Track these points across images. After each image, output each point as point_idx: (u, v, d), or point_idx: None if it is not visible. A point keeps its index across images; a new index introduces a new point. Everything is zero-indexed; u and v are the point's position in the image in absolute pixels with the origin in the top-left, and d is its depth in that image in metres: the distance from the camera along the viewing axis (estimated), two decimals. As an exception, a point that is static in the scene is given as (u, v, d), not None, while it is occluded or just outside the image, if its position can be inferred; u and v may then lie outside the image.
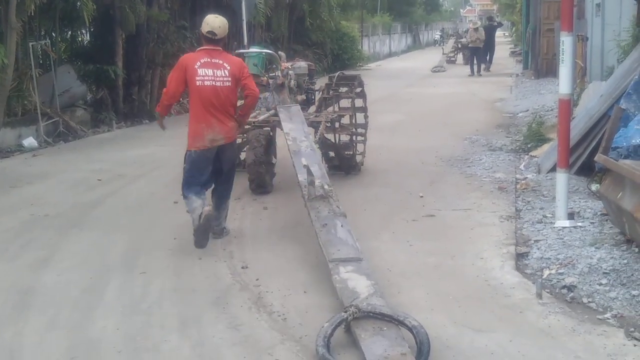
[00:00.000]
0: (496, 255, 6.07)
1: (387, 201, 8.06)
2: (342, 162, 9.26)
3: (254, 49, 9.36)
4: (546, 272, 5.65)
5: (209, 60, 6.35)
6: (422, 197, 8.15)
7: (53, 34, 14.74)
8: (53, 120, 13.15)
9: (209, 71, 6.31)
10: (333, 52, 29.68)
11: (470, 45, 27.29)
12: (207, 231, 6.30)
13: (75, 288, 5.49)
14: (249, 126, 8.27)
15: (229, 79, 6.34)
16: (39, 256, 6.28)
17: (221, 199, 6.75)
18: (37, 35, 14.00)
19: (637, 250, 5.79)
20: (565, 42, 6.72)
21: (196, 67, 6.32)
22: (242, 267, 5.89)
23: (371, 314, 4.48)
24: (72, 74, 14.23)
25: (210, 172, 6.55)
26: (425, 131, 13.08)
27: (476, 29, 27.38)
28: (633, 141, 7.09)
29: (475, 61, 26.50)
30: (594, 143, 8.22)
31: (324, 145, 8.60)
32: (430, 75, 27.12)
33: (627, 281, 5.25)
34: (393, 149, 11.16)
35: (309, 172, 6.37)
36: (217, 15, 6.59)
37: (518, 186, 8.50)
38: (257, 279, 5.60)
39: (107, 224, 7.35)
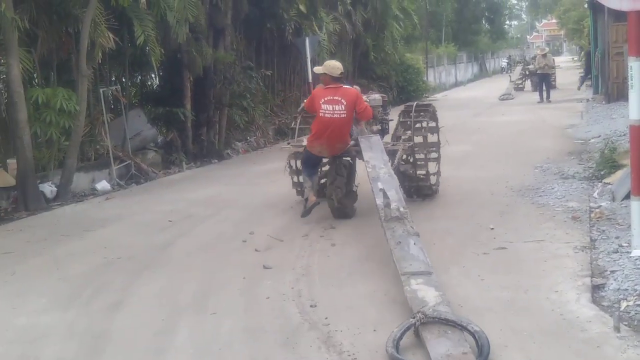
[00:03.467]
0: (571, 288, 5.88)
1: (457, 234, 7.94)
2: (418, 184, 9.68)
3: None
4: (624, 304, 5.45)
5: (331, 98, 8.49)
6: (492, 229, 8.00)
7: (123, 79, 15.18)
8: (125, 163, 13.49)
9: (329, 107, 8.47)
10: (398, 84, 29.71)
11: (538, 71, 26.93)
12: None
13: (147, 331, 5.55)
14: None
15: (345, 112, 8.44)
16: (111, 299, 6.38)
17: None
18: (108, 81, 14.45)
19: None
20: (634, 67, 6.54)
21: (321, 102, 8.51)
22: (311, 306, 5.86)
23: (437, 319, 4.94)
24: (142, 117, 14.62)
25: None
26: (494, 161, 12.90)
27: (544, 55, 27.01)
28: None
29: (544, 87, 26.10)
30: (670, 168, 7.93)
31: (402, 175, 9.15)
32: (498, 104, 26.83)
33: None
34: (462, 180, 11.02)
35: (385, 195, 7.07)
36: (333, 60, 9.12)
37: (592, 215, 8.26)
38: (326, 318, 5.55)
39: (178, 265, 7.44)
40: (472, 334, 4.75)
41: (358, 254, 7.39)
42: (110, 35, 12.21)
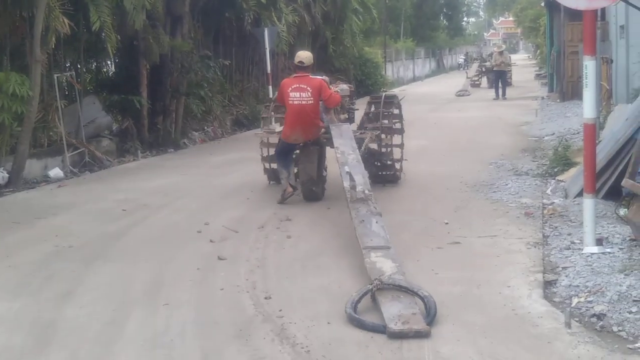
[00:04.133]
0: (523, 284, 5.95)
1: (412, 228, 7.98)
2: (384, 170, 10.32)
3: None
4: (575, 301, 5.52)
5: (297, 85, 9.12)
6: (447, 223, 8.06)
7: (78, 65, 14.92)
8: (79, 150, 13.28)
9: (296, 94, 9.09)
10: (356, 77, 29.73)
11: (495, 68, 27.21)
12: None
13: (97, 321, 5.46)
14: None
15: (311, 98, 9.06)
16: (62, 289, 6.26)
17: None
18: (62, 66, 14.18)
19: (668, 277, 5.65)
20: (589, 66, 6.63)
21: (289, 91, 9.13)
22: (265, 298, 5.82)
23: (391, 286, 5.56)
24: (97, 104, 14.39)
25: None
26: (449, 156, 13.00)
27: (501, 53, 27.29)
28: (661, 165, 6.97)
29: (500, 84, 26.39)
30: (620, 167, 8.06)
31: (369, 155, 9.77)
32: (455, 100, 27.07)
33: (659, 309, 5.12)
34: (418, 174, 11.07)
35: (352, 179, 7.63)
36: (305, 50, 9.87)
37: (545, 212, 8.38)
38: (280, 310, 5.53)
39: (131, 255, 7.34)
40: (422, 298, 5.36)
41: (313, 246, 7.39)
42: (65, 20, 11.93)
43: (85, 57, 15.15)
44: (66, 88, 14.31)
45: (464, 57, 55.59)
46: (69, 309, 5.77)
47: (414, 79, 44.50)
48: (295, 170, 9.69)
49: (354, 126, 10.22)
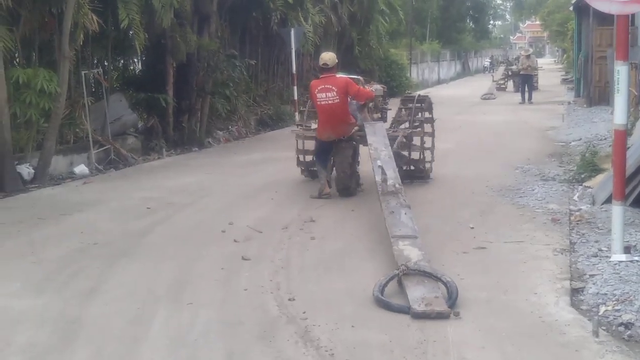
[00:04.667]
0: (550, 291, 5.88)
1: (437, 232, 7.91)
2: (415, 167, 10.69)
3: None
4: (602, 309, 5.45)
5: (323, 86, 9.56)
6: (472, 228, 7.99)
7: (105, 62, 14.99)
8: (104, 147, 13.35)
9: (322, 95, 9.56)
10: (381, 79, 29.60)
11: (521, 72, 27.05)
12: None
13: (121, 319, 5.47)
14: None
15: (337, 97, 9.47)
16: (86, 286, 6.28)
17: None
18: (90, 63, 14.26)
19: (697, 286, 5.56)
20: (621, 71, 6.55)
21: (316, 92, 9.61)
22: (289, 299, 5.80)
23: (416, 271, 5.93)
24: (123, 102, 14.46)
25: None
26: (475, 160, 12.92)
27: (528, 56, 27.12)
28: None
29: (526, 88, 26.21)
30: (650, 174, 7.97)
31: (399, 157, 9.92)
32: (480, 103, 26.91)
33: (686, 318, 5.03)
34: (443, 177, 11.01)
35: (383, 172, 8.13)
36: (328, 52, 10.12)
37: (572, 218, 8.28)
38: (304, 312, 5.50)
39: (156, 253, 7.36)
40: (445, 283, 5.73)
41: (337, 248, 7.36)
42: (94, 17, 12.01)
43: (113, 55, 15.22)
44: (93, 85, 14.37)
45: (489, 60, 55.33)
46: (93, 306, 5.79)
47: (439, 82, 44.32)
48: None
49: (387, 126, 10.59)
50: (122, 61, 16.71)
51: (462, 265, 6.64)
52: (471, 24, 60.11)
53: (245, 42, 19.92)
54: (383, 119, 11.03)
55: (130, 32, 13.13)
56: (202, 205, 9.66)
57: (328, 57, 9.73)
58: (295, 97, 19.40)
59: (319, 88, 9.61)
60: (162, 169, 13.12)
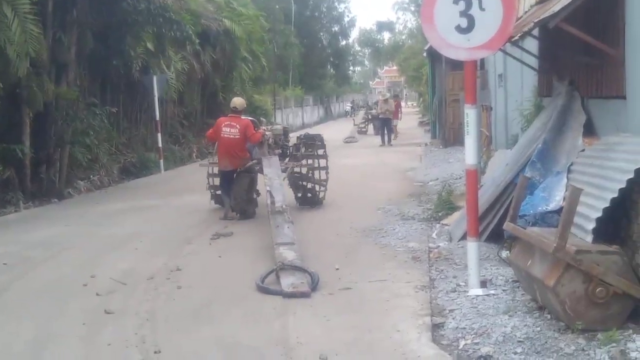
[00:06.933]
0: (413, 327, 6.07)
1: (303, 275, 7.99)
2: (310, 193, 12.80)
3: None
4: (462, 343, 5.67)
5: (229, 123, 11.60)
6: (338, 269, 8.14)
7: (-44, 113, 14.27)
8: (-45, 202, 12.65)
9: (227, 129, 11.51)
10: (246, 124, 29.77)
11: (380, 116, 27.96)
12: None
13: (-24, 383, 5.19)
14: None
15: (238, 134, 11.45)
16: (-63, 350, 5.92)
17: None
18: (-61, 115, 13.53)
19: (549, 317, 5.91)
20: (470, 114, 6.94)
21: (222, 126, 11.58)
22: (155, 352, 5.68)
23: (289, 266, 7.72)
24: (-24, 153, 13.78)
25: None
26: (339, 201, 13.17)
27: (385, 101, 28.11)
28: (539, 208, 7.31)
29: (385, 131, 27.09)
30: (502, 211, 8.40)
31: (295, 180, 12.57)
32: (343, 146, 27.50)
33: (542, 349, 5.33)
34: (309, 220, 11.17)
35: (272, 195, 9.93)
36: (238, 97, 13.05)
37: (431, 255, 8.61)
38: (171, 364, 5.42)
39: (13, 312, 7.01)
40: (310, 274, 7.54)
41: (205, 296, 7.29)
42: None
43: (-36, 105, 14.52)
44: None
45: (350, 105, 56.89)
46: (-56, 371, 5.47)
47: (304, 126, 44.94)
48: None
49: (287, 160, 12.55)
50: (-27, 111, 15.96)
51: (329, 307, 6.75)
52: (332, 70, 61.73)
53: (107, 90, 19.51)
54: (284, 154, 12.77)
55: (-18, 82, 12.61)
56: (62, 259, 9.32)
57: (239, 102, 12.16)
58: (160, 145, 19.15)
59: (225, 123, 11.66)
60: (19, 222, 12.56)
